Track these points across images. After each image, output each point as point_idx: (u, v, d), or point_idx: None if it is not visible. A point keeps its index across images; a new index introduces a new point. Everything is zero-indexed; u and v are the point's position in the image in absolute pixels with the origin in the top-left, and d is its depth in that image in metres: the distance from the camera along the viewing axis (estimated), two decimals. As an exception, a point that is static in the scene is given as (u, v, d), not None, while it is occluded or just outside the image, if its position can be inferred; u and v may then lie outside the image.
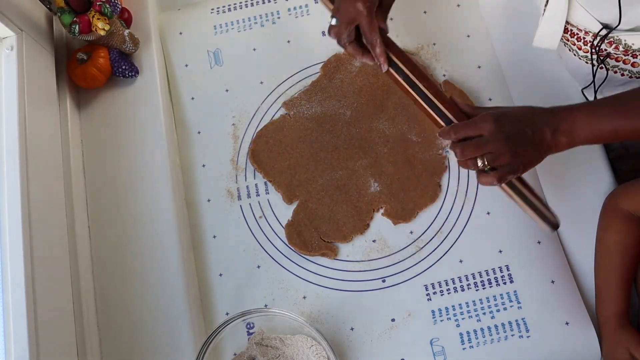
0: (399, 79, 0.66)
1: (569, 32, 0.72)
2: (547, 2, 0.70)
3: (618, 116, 0.59)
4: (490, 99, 0.79)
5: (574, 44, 0.72)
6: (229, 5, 0.86)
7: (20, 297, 0.59)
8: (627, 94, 0.61)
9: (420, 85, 0.65)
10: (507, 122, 0.59)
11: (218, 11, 0.86)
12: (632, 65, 0.68)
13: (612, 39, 0.66)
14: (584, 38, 0.70)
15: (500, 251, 0.72)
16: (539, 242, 0.72)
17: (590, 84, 0.74)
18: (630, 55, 0.67)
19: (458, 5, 0.84)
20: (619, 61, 0.69)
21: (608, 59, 0.70)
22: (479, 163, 0.59)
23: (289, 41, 0.83)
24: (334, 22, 0.65)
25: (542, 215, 0.62)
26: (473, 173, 0.75)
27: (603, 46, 0.68)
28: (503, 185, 0.62)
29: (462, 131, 0.60)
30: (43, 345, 0.59)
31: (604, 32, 0.66)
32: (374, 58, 0.66)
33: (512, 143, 0.58)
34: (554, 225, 0.63)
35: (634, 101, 0.59)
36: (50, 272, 0.64)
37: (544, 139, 0.60)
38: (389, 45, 0.67)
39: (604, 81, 0.72)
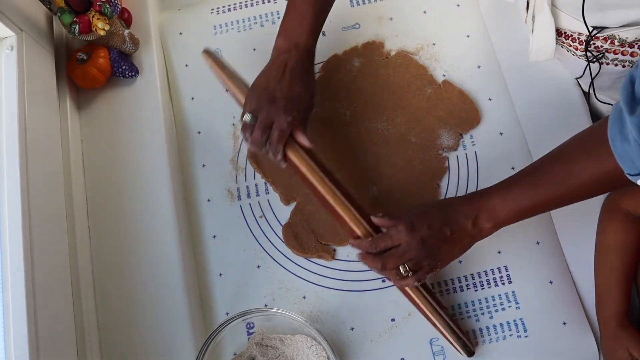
0: (308, 174, 0.65)
1: (563, 35, 0.72)
2: (533, 20, 0.71)
3: (531, 193, 0.61)
4: (490, 99, 0.79)
5: (570, 45, 0.73)
6: (229, 5, 0.86)
7: (20, 297, 0.59)
8: (534, 167, 0.62)
9: (335, 189, 0.65)
10: (421, 226, 0.62)
11: (218, 11, 0.86)
12: (632, 55, 0.69)
13: (606, 35, 0.67)
14: (578, 39, 0.70)
15: (499, 252, 0.72)
16: (537, 243, 0.72)
17: (590, 81, 0.74)
18: (628, 46, 0.68)
19: (458, 5, 0.84)
20: (617, 54, 0.70)
21: (606, 53, 0.70)
22: (402, 270, 0.61)
23: (288, 41, 0.83)
24: (248, 119, 0.65)
25: (462, 341, 0.66)
26: (473, 174, 0.75)
27: (599, 43, 0.68)
28: (412, 289, 0.65)
29: (382, 243, 0.62)
30: (43, 345, 0.59)
31: (595, 33, 0.67)
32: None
33: (429, 247, 0.61)
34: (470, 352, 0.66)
35: (541, 175, 0.60)
36: (50, 272, 0.64)
37: (465, 231, 0.62)
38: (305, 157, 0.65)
39: (598, 72, 0.72)
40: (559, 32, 0.73)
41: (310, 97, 0.68)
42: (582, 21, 0.66)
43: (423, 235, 0.61)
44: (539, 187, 0.60)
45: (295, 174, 0.67)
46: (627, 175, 0.51)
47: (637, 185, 0.50)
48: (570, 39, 0.72)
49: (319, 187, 0.65)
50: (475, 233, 0.63)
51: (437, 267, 0.63)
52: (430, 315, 0.65)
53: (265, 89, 0.66)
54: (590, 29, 0.67)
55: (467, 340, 0.66)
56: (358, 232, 0.64)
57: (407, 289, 0.65)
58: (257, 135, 0.65)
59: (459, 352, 0.66)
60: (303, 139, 0.65)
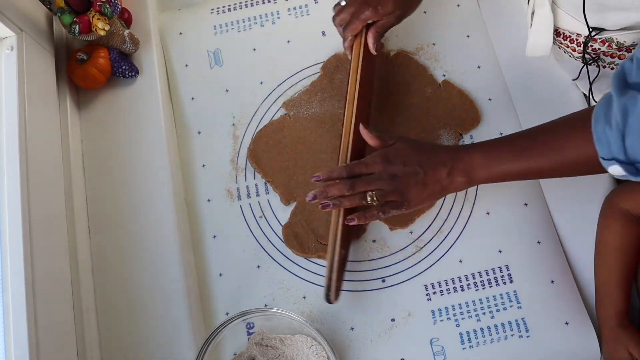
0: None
1: (562, 36, 0.72)
2: (532, 14, 0.71)
3: (511, 159, 0.62)
4: (490, 99, 0.79)
5: (568, 47, 0.73)
6: (229, 5, 0.86)
7: (20, 297, 0.58)
8: (520, 135, 0.63)
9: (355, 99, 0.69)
10: (397, 160, 0.63)
11: (218, 11, 0.86)
12: None
13: (604, 38, 0.67)
14: (576, 40, 0.70)
15: (500, 251, 0.72)
16: (538, 242, 0.72)
17: (588, 83, 0.74)
18: (625, 50, 0.68)
19: (458, 5, 0.84)
20: (614, 57, 0.70)
21: (603, 56, 0.70)
22: (368, 198, 0.63)
23: (289, 41, 0.83)
24: (344, 2, 0.71)
25: (328, 284, 0.65)
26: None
27: (596, 45, 0.68)
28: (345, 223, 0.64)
29: (356, 168, 0.64)
30: (43, 345, 0.59)
31: (593, 34, 0.67)
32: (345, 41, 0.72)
33: (399, 183, 0.63)
34: (328, 299, 0.65)
35: (526, 143, 0.61)
36: (50, 272, 0.64)
37: (438, 178, 0.63)
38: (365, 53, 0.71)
39: (597, 76, 0.72)
40: (557, 33, 0.73)
41: (404, 7, 0.71)
42: (581, 21, 0.66)
43: (396, 169, 0.63)
44: (520, 155, 0.61)
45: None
46: (600, 160, 0.51)
47: (608, 172, 0.51)
48: (568, 39, 0.72)
49: (347, 98, 0.69)
50: (447, 183, 0.64)
51: (404, 206, 0.63)
52: (330, 249, 0.65)
53: None
54: (590, 29, 0.67)
55: (334, 289, 0.64)
56: (342, 155, 0.67)
57: (336, 218, 0.65)
58: (343, 17, 0.71)
59: (324, 294, 0.65)
60: (370, 40, 0.69)
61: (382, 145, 0.66)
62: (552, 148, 0.59)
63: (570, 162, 0.58)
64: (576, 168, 0.60)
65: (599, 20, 0.65)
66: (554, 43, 0.75)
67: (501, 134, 0.77)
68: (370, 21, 0.70)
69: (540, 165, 0.61)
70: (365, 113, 0.70)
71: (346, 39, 0.72)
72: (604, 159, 0.51)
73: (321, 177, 0.64)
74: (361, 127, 0.67)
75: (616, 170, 0.50)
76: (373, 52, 0.70)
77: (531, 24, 0.72)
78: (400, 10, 0.70)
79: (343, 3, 0.72)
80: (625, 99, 0.47)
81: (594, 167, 0.53)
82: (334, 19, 0.73)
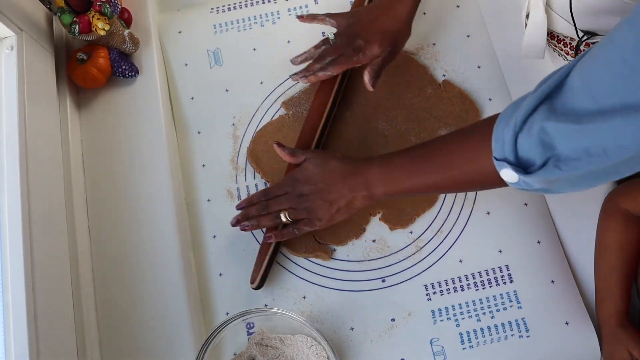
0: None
1: (556, 39, 0.73)
2: (527, 16, 0.71)
3: (406, 176, 0.63)
4: (490, 99, 0.79)
5: (562, 50, 0.73)
6: (229, 5, 0.86)
7: (20, 297, 0.58)
8: (420, 149, 0.63)
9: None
10: (303, 181, 0.67)
11: (218, 11, 0.86)
12: None
13: (596, 42, 0.67)
14: (569, 43, 0.71)
15: (500, 251, 0.72)
16: (538, 242, 0.72)
17: None
18: None
19: (458, 6, 0.84)
20: None
21: None
22: (282, 217, 0.67)
23: (289, 41, 0.83)
24: (331, 38, 0.72)
25: (257, 269, 0.70)
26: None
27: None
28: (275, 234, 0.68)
29: (271, 191, 0.69)
30: (43, 345, 0.59)
31: (585, 38, 0.67)
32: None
33: (305, 201, 0.66)
34: (255, 285, 0.69)
35: (423, 160, 0.62)
36: (50, 272, 0.64)
37: (342, 194, 0.65)
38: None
39: None
40: (551, 35, 0.73)
41: (393, 44, 0.71)
42: (574, 26, 0.66)
43: (303, 189, 0.66)
44: (415, 172, 0.62)
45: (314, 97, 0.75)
46: (494, 160, 0.50)
47: (502, 177, 0.50)
48: (562, 43, 0.72)
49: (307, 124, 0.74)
50: (351, 198, 0.65)
51: (316, 223, 0.66)
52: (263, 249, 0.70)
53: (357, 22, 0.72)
54: (581, 34, 0.67)
55: (261, 276, 0.69)
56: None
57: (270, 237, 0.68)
58: (330, 54, 0.71)
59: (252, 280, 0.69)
60: (367, 78, 0.69)
61: (294, 160, 0.69)
62: (449, 162, 0.59)
63: (468, 174, 0.57)
64: (475, 180, 0.58)
65: (590, 23, 0.65)
66: (549, 46, 0.75)
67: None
68: (358, 65, 0.71)
69: (437, 180, 0.60)
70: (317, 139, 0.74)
71: (323, 73, 0.72)
72: (496, 159, 0.50)
73: (243, 204, 0.69)
74: (275, 146, 0.70)
75: (508, 174, 0.50)
76: (371, 89, 0.70)
77: (526, 25, 0.72)
78: (390, 47, 0.70)
79: (332, 40, 0.72)
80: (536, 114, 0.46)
81: (492, 180, 0.52)
82: (318, 49, 0.74)
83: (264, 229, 0.71)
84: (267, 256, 0.69)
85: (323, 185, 0.66)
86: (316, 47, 0.74)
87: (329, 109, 0.75)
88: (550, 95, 0.46)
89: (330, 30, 0.75)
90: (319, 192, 0.66)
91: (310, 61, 0.74)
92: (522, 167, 0.48)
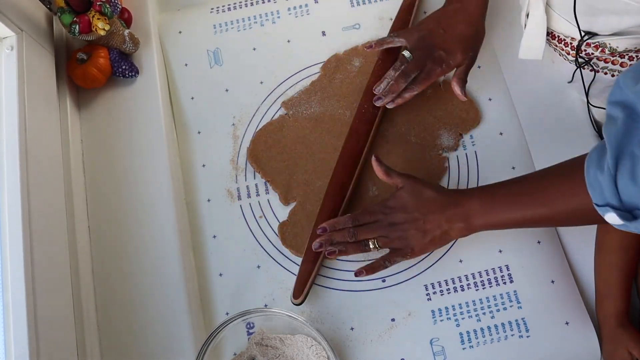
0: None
1: (557, 39, 0.72)
2: (527, 16, 0.71)
3: (508, 209, 0.61)
4: (490, 99, 0.79)
5: (562, 50, 0.73)
6: (229, 4, 0.86)
7: (20, 297, 0.58)
8: (517, 183, 0.62)
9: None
10: (398, 209, 0.65)
11: (218, 10, 0.86)
12: (621, 65, 0.69)
13: (597, 43, 0.67)
14: (570, 43, 0.71)
15: (500, 251, 0.72)
16: (538, 242, 0.72)
17: (582, 85, 0.74)
18: (618, 56, 0.68)
19: (458, 6, 0.84)
20: (607, 62, 0.70)
21: (597, 61, 0.70)
22: (371, 245, 0.65)
23: (289, 41, 0.83)
24: (407, 55, 0.71)
25: (302, 282, 0.68)
26: (473, 174, 0.75)
27: (589, 50, 0.68)
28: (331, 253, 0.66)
29: (360, 217, 0.66)
30: (43, 345, 0.59)
31: (586, 38, 0.67)
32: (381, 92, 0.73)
33: (399, 230, 0.64)
34: (296, 300, 0.69)
35: (521, 194, 0.61)
36: (50, 272, 0.64)
37: (438, 224, 0.63)
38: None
39: (592, 81, 0.72)
40: (552, 35, 0.73)
41: (474, 48, 0.71)
42: (574, 24, 0.66)
43: (396, 217, 0.64)
44: (516, 205, 0.61)
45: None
46: (595, 206, 0.49)
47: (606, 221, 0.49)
48: (562, 43, 0.72)
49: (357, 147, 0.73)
50: (447, 228, 0.64)
51: (408, 253, 0.64)
52: (310, 265, 0.68)
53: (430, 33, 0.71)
54: (582, 33, 0.67)
55: (304, 292, 0.68)
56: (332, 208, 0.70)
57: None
58: (409, 69, 0.70)
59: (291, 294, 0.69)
60: (457, 89, 0.69)
61: (388, 180, 0.67)
62: (549, 198, 0.58)
63: (568, 212, 0.57)
64: (576, 217, 0.58)
65: (591, 23, 0.65)
66: (549, 45, 0.75)
67: (501, 134, 0.77)
68: (442, 76, 0.71)
69: (538, 215, 0.60)
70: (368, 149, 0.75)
71: (409, 93, 0.71)
72: (597, 205, 0.49)
73: (327, 228, 0.66)
74: (373, 159, 0.68)
75: (612, 218, 0.48)
76: (464, 99, 0.70)
77: (525, 26, 0.72)
78: (472, 52, 0.70)
79: (408, 57, 0.71)
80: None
81: (593, 218, 0.51)
82: (397, 70, 0.72)
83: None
84: (315, 266, 0.68)
85: (419, 215, 0.63)
86: (394, 68, 0.72)
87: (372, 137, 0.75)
88: (630, 127, 0.45)
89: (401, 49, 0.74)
90: (414, 221, 0.64)
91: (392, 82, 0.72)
92: (628, 211, 0.47)
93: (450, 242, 0.67)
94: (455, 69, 0.71)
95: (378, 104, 0.72)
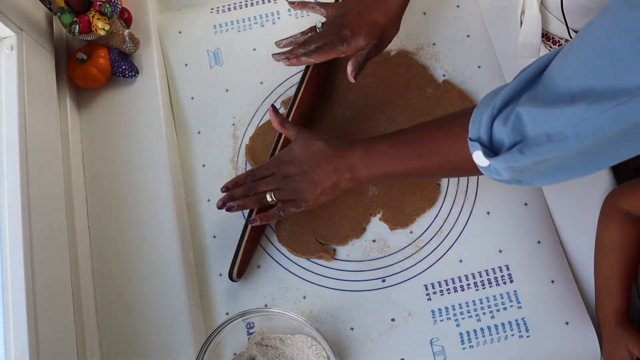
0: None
1: (551, 40, 0.73)
2: (522, 15, 0.71)
3: (388, 161, 0.63)
4: (490, 99, 0.79)
5: None
6: (229, 5, 0.86)
7: (20, 297, 0.58)
8: (400, 134, 0.63)
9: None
10: (289, 162, 0.67)
11: (218, 11, 0.86)
12: None
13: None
14: (565, 45, 0.71)
15: (500, 251, 0.72)
16: (538, 242, 0.72)
17: None
18: None
19: (458, 6, 0.84)
20: None
21: None
22: (268, 198, 0.67)
23: (289, 41, 0.83)
24: (319, 26, 0.70)
25: (234, 261, 0.69)
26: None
27: None
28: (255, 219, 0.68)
29: (257, 172, 0.68)
30: (43, 345, 0.59)
31: None
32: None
33: (290, 182, 0.67)
34: (231, 277, 0.70)
35: (404, 145, 0.62)
36: (50, 272, 0.64)
37: (327, 176, 0.65)
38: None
39: None
40: (547, 37, 0.73)
41: (380, 38, 0.70)
42: (568, 27, 0.66)
43: (289, 170, 0.67)
44: (396, 157, 0.62)
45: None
46: (468, 140, 0.50)
47: (477, 162, 0.50)
48: (557, 44, 0.72)
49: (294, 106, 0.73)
50: (336, 180, 0.65)
51: (302, 205, 0.67)
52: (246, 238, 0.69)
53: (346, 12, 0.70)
54: (573, 34, 0.67)
55: (237, 269, 0.69)
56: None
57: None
58: (316, 41, 0.69)
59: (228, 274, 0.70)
60: (350, 69, 0.67)
61: (282, 130, 0.69)
62: (428, 148, 0.59)
63: (445, 161, 0.58)
64: (453, 167, 0.59)
65: (583, 23, 0.65)
66: (544, 46, 0.75)
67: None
68: (342, 55, 0.70)
69: (417, 165, 0.61)
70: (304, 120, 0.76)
71: (306, 58, 0.70)
72: (470, 139, 0.50)
73: (229, 186, 0.69)
74: (270, 110, 0.69)
75: (478, 156, 0.49)
76: (353, 80, 0.68)
77: (521, 25, 0.72)
78: (376, 40, 0.69)
79: (319, 28, 0.71)
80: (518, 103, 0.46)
81: (471, 167, 0.52)
82: (305, 35, 0.72)
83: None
84: (243, 242, 0.69)
85: (308, 167, 0.66)
86: (303, 33, 0.73)
87: (316, 100, 0.75)
88: (531, 82, 0.46)
89: (319, 19, 0.74)
90: (304, 174, 0.66)
91: (295, 45, 0.72)
92: (493, 151, 0.48)
93: (345, 192, 0.68)
94: (357, 52, 0.69)
95: (275, 58, 0.72)
